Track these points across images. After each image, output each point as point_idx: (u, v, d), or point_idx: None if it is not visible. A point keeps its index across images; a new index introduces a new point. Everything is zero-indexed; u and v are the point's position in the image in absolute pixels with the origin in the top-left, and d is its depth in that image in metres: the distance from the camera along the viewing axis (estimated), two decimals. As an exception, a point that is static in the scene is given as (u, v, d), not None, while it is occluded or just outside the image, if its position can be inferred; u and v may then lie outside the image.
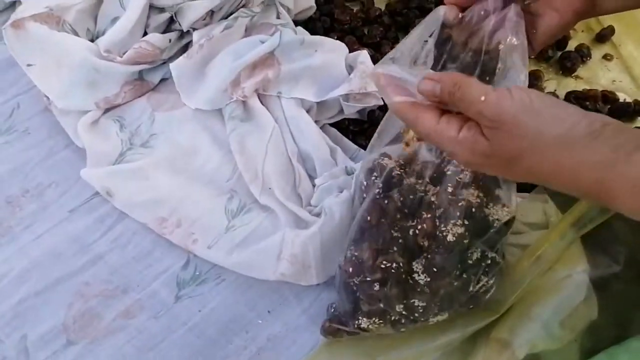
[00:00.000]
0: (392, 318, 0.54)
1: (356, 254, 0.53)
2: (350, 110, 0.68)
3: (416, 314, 0.53)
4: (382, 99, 0.66)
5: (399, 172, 0.52)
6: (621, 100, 0.77)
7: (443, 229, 0.48)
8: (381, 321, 0.54)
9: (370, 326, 0.55)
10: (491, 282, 0.53)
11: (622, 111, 0.75)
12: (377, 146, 0.54)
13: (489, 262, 0.51)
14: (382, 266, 0.51)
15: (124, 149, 0.65)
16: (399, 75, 0.39)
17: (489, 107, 0.34)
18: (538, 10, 0.45)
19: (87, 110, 0.66)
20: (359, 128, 0.72)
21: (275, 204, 0.61)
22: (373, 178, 0.53)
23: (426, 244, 0.50)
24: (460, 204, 0.48)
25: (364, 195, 0.54)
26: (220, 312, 0.59)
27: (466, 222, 0.48)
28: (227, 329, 0.58)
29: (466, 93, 0.35)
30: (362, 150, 0.68)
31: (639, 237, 0.62)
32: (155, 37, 0.67)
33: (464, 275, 0.51)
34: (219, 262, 0.60)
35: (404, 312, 0.53)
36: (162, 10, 0.68)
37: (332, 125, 0.71)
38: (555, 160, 0.33)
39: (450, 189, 0.49)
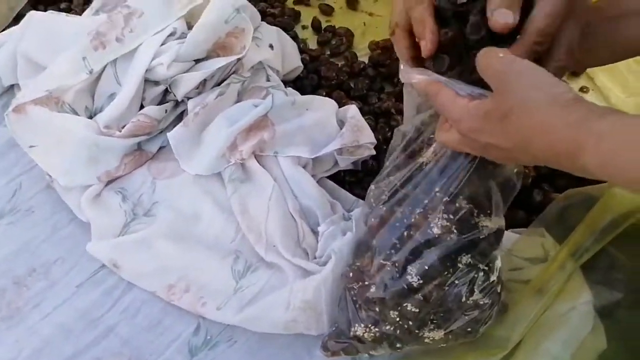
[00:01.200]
0: (388, 328, 0.55)
1: (358, 263, 0.56)
2: (345, 163, 0.70)
3: (410, 323, 0.54)
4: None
5: (400, 187, 0.54)
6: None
7: (431, 223, 0.51)
8: (377, 330, 0.55)
9: (365, 335, 0.56)
10: (486, 301, 0.54)
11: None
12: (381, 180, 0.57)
13: (482, 274, 0.53)
14: (379, 265, 0.53)
15: (127, 220, 0.66)
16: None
17: (501, 61, 0.39)
18: None
19: (90, 185, 0.68)
20: (354, 178, 0.74)
21: (281, 261, 0.62)
22: (383, 198, 0.56)
23: (416, 235, 0.52)
24: (450, 204, 0.51)
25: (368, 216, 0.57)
26: (234, 375, 0.59)
27: (451, 217, 0.51)
28: (243, 391, 0.58)
29: (488, 51, 0.41)
30: (361, 201, 0.70)
31: (636, 260, 0.64)
32: (152, 110, 0.69)
33: (456, 282, 0.52)
34: (228, 322, 0.61)
35: (398, 320, 0.54)
36: (157, 83, 0.71)
37: (328, 177, 0.73)
38: (540, 119, 0.37)
39: (444, 198, 0.51)
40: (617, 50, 0.48)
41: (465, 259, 0.52)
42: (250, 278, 0.62)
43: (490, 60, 0.40)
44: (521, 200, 0.70)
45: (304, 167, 0.69)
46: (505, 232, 0.57)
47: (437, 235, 0.51)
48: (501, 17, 0.41)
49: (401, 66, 0.48)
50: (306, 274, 0.60)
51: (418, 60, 0.47)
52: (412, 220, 0.52)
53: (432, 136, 0.51)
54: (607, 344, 0.57)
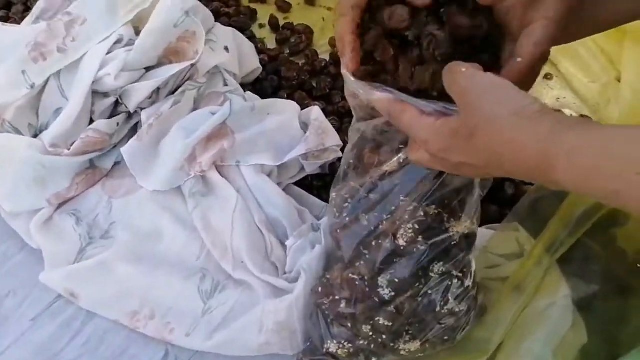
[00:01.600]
0: (361, 343, 0.53)
1: (328, 276, 0.54)
2: (312, 168, 0.68)
3: (384, 336, 0.53)
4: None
5: (365, 195, 0.52)
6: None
7: (397, 233, 0.49)
8: (350, 345, 0.54)
9: (339, 351, 0.55)
10: (462, 308, 0.53)
11: (571, 128, 0.78)
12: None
13: (456, 281, 0.51)
14: (348, 279, 0.52)
15: (83, 245, 0.62)
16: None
17: (464, 76, 0.38)
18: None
19: (39, 209, 0.63)
20: (322, 182, 0.71)
21: (250, 278, 0.59)
22: (345, 205, 0.53)
23: (384, 245, 0.50)
24: (417, 213, 0.49)
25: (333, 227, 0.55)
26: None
27: (418, 227, 0.49)
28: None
29: (452, 66, 0.39)
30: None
31: (611, 250, 0.63)
32: (102, 124, 0.65)
33: (429, 292, 0.51)
34: (199, 348, 0.58)
35: (371, 334, 0.53)
36: (106, 95, 0.67)
37: (295, 183, 0.70)
38: (508, 134, 0.36)
39: (410, 205, 0.49)
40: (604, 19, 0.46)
41: (438, 267, 0.50)
42: (219, 298, 0.59)
43: (455, 76, 0.38)
44: (493, 195, 0.69)
45: (269, 175, 0.66)
46: (480, 228, 0.56)
47: (403, 247, 0.49)
48: None
49: (348, 79, 0.44)
50: (277, 292, 0.58)
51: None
52: (380, 230, 0.50)
53: (400, 146, 0.48)
54: (587, 338, 0.56)
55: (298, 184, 0.70)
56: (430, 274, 0.51)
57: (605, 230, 0.62)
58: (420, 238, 0.50)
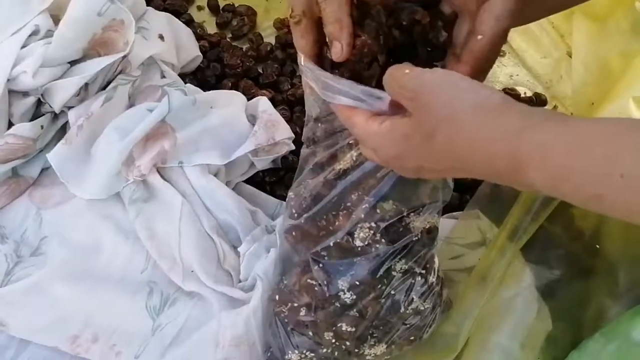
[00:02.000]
0: (324, 351, 0.51)
1: (285, 282, 0.52)
2: (262, 164, 0.63)
3: (348, 343, 0.51)
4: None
5: (321, 195, 0.49)
6: (522, 95, 0.79)
7: (355, 233, 0.47)
8: (313, 354, 0.52)
9: None
10: (427, 306, 0.51)
11: (526, 107, 0.77)
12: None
13: (419, 279, 0.49)
14: (307, 284, 0.49)
15: (10, 265, 0.55)
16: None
17: (409, 77, 0.34)
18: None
19: (-44, 228, 0.56)
20: (275, 177, 0.67)
21: (202, 289, 0.54)
22: (301, 206, 0.50)
23: (342, 246, 0.48)
24: (375, 211, 0.47)
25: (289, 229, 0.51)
26: None
27: (376, 224, 0.47)
28: None
29: (394, 70, 0.35)
30: (284, 203, 0.63)
31: (571, 232, 0.63)
32: (23, 128, 0.58)
33: (392, 292, 0.49)
34: (151, 369, 0.53)
35: (334, 342, 0.50)
36: (25, 94, 0.59)
37: (246, 181, 0.65)
38: (470, 132, 0.33)
39: (365, 202, 0.46)
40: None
41: (400, 265, 0.48)
42: (169, 313, 0.54)
43: (399, 80, 0.35)
44: (453, 181, 0.67)
45: (216, 174, 0.61)
46: (441, 218, 0.53)
47: (361, 247, 0.47)
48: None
49: (302, 62, 0.40)
50: (232, 302, 0.54)
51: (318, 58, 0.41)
52: (336, 231, 0.47)
53: (351, 142, 0.45)
54: (552, 325, 0.55)
55: (249, 180, 0.66)
56: (392, 273, 0.48)
57: (564, 211, 0.62)
58: (378, 237, 0.47)
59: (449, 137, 0.33)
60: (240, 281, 0.56)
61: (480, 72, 0.39)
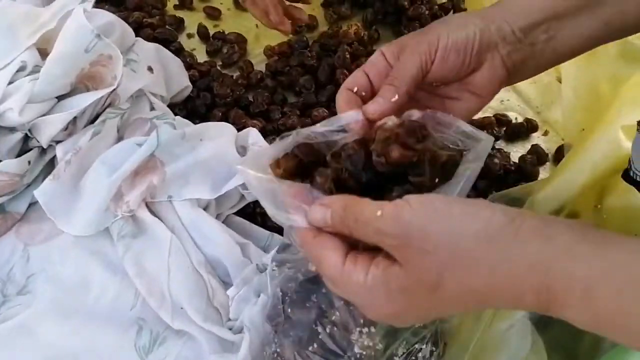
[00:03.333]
0: None
1: (278, 350, 0.49)
2: (253, 196, 0.63)
3: None
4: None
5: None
6: (513, 120, 0.79)
7: (352, 338, 0.44)
8: None
9: None
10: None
11: (517, 132, 0.77)
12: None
13: (421, 354, 0.48)
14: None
15: (-4, 305, 0.55)
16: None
17: (387, 222, 0.29)
18: (451, 94, 0.42)
19: (-59, 267, 0.55)
20: (266, 208, 0.67)
21: (191, 328, 0.54)
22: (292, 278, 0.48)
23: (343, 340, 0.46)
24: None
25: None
26: None
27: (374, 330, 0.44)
28: None
29: (358, 214, 0.29)
30: (276, 235, 0.63)
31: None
32: (9, 164, 0.57)
33: None
34: (139, 412, 0.52)
35: None
36: (12, 129, 0.59)
37: (237, 213, 0.65)
38: (485, 270, 0.28)
39: None
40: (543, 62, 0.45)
41: (401, 349, 0.46)
42: (158, 353, 0.53)
43: (374, 224, 0.29)
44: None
45: (206, 207, 0.60)
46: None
47: (360, 355, 0.44)
48: None
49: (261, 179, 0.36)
50: (222, 343, 0.53)
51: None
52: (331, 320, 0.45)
53: None
54: (547, 358, 0.55)
55: (239, 212, 0.65)
56: (395, 358, 0.46)
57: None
58: (379, 344, 0.44)
59: (461, 282, 0.29)
60: (230, 320, 0.55)
61: None
